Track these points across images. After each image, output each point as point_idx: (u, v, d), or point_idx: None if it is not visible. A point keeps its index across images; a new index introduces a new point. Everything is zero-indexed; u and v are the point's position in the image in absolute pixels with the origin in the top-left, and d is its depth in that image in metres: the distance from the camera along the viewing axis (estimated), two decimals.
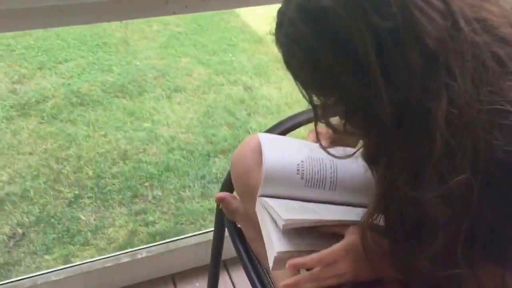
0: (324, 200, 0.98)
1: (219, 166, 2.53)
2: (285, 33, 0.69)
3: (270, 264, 0.87)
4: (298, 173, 0.96)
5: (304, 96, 0.73)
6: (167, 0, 1.12)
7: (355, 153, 0.79)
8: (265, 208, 0.92)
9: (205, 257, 1.63)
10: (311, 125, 1.15)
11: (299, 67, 0.69)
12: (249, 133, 2.73)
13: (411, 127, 0.64)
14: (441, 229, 0.66)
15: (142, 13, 1.17)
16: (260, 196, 0.95)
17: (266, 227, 0.91)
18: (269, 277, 1.03)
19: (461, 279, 0.70)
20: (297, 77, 0.71)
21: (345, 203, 0.99)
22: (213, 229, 1.29)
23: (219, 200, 1.11)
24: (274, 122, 1.19)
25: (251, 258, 1.06)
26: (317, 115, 0.72)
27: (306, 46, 0.66)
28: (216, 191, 2.38)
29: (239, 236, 1.11)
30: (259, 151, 0.99)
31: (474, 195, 0.64)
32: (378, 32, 0.62)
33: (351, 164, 1.02)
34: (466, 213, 0.66)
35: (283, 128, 1.16)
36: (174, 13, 1.13)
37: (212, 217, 2.27)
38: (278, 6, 0.70)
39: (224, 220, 1.17)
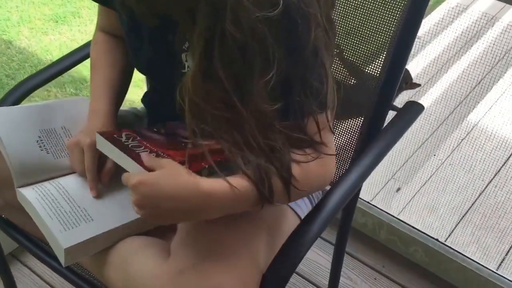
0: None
1: None
2: None
3: (62, 261, 0.82)
4: (42, 150, 0.93)
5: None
6: None
7: None
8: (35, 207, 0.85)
9: None
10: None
11: None
12: None
13: None
14: (274, 64, 0.72)
15: None
16: (18, 188, 0.89)
17: (42, 222, 0.84)
18: None
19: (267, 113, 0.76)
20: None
21: None
22: None
23: None
24: None
25: (34, 242, 1.01)
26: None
27: None
28: None
29: (10, 227, 1.03)
30: None
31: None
32: None
33: (77, 120, 1.00)
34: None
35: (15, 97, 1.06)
36: None
37: None
38: None
39: None
